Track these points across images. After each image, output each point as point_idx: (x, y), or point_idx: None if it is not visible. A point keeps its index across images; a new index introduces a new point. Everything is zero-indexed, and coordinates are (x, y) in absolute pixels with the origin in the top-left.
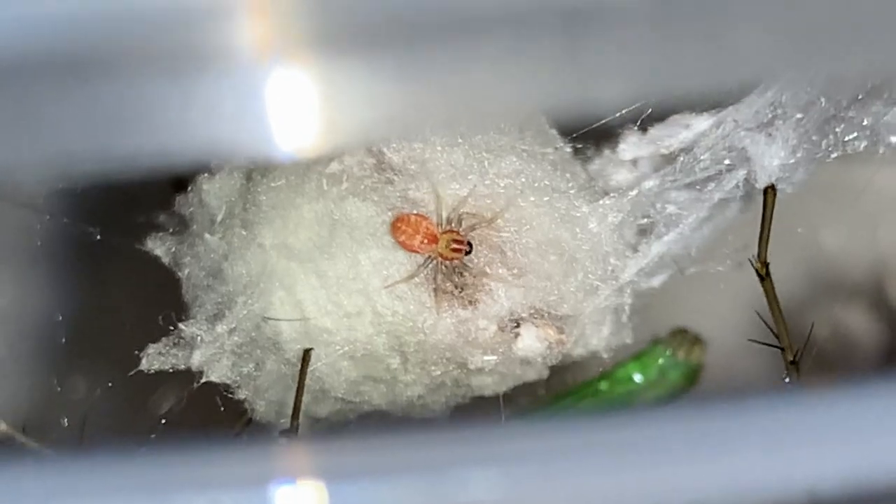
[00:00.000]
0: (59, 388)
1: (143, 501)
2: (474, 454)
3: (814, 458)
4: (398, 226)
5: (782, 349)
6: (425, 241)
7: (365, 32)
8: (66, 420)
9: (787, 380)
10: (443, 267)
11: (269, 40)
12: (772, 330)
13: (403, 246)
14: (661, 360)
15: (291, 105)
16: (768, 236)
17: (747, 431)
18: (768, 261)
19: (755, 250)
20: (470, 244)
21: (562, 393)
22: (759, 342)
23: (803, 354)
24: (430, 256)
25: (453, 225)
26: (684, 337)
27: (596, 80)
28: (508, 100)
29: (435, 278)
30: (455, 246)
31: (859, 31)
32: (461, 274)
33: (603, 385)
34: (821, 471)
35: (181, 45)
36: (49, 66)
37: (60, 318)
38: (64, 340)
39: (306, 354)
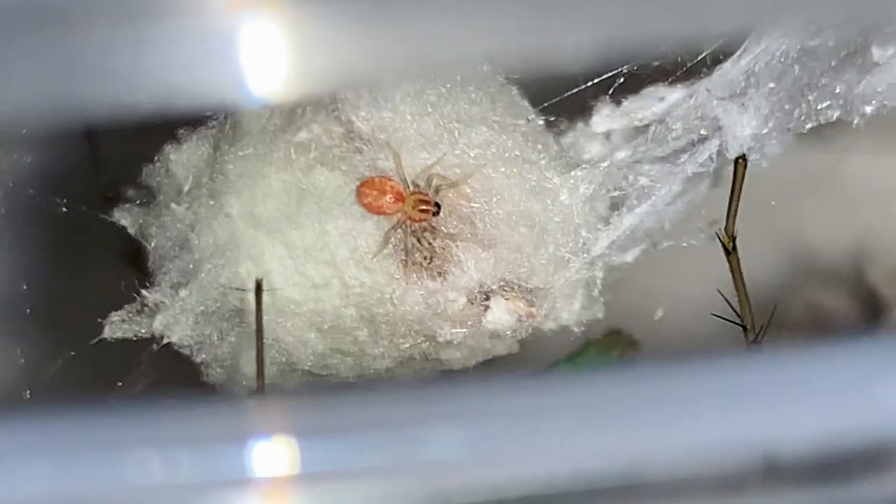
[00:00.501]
0: (22, 360)
1: (95, 458)
2: (441, 412)
3: (770, 420)
4: (363, 190)
5: (744, 328)
6: (391, 199)
7: None
8: (28, 392)
9: None
10: (412, 233)
11: None
12: (734, 309)
13: (370, 209)
14: (594, 362)
15: (253, 51)
16: (737, 208)
17: (705, 392)
18: (736, 234)
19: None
20: (438, 204)
21: None
22: (722, 318)
23: (765, 333)
24: (398, 220)
25: (421, 187)
26: (618, 339)
27: (559, 31)
28: (472, 49)
29: (405, 243)
30: (423, 207)
31: None
32: (430, 243)
33: None
34: (777, 432)
35: None
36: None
37: (25, 287)
38: (28, 311)
39: (258, 286)
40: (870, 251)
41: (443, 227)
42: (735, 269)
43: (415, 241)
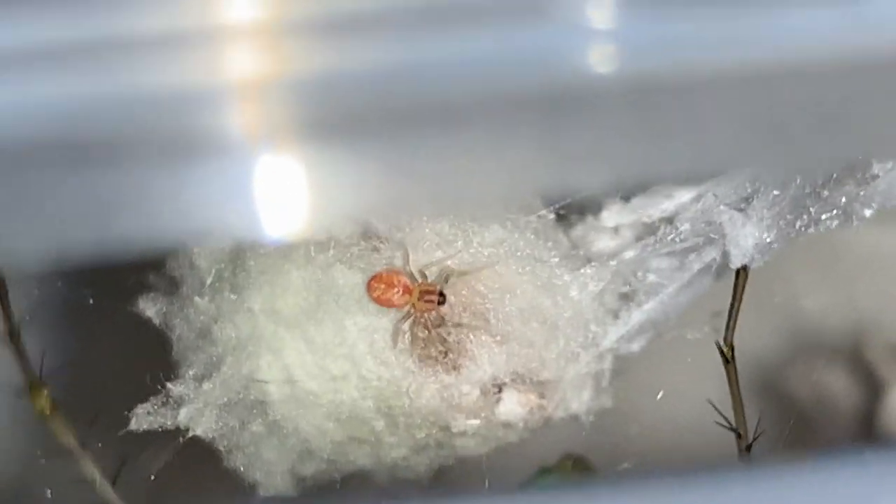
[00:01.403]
0: (42, 461)
1: None
2: None
3: None
4: (373, 284)
5: (738, 435)
6: (400, 292)
7: (351, 120)
8: (49, 492)
9: None
10: (423, 325)
11: (258, 127)
12: (725, 417)
13: (380, 302)
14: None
15: (279, 190)
16: (736, 318)
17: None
18: (734, 344)
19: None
20: (443, 294)
21: None
22: (720, 424)
23: (756, 440)
24: (407, 312)
25: (429, 280)
26: (573, 464)
27: (576, 164)
28: (492, 185)
29: (414, 334)
30: (428, 297)
31: (825, 125)
32: (444, 339)
33: None
34: None
35: (173, 131)
36: (44, 152)
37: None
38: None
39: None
40: (868, 328)
41: (456, 328)
42: (732, 378)
43: (426, 333)
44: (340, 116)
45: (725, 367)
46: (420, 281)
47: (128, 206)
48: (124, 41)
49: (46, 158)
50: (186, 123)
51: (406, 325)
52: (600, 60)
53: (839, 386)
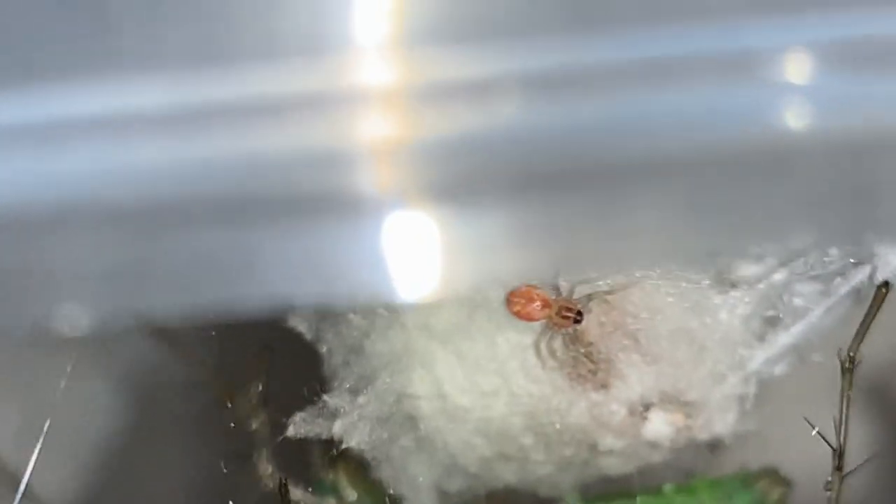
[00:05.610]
0: (224, 471)
1: None
2: None
3: None
4: (512, 299)
5: (835, 452)
6: (539, 306)
7: (482, 182)
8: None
9: (827, 485)
10: (561, 341)
11: (390, 187)
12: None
13: (520, 316)
14: (736, 489)
15: (411, 250)
16: (865, 332)
17: None
18: (860, 358)
19: (874, 342)
20: (580, 312)
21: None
22: (820, 434)
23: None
24: (544, 327)
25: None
26: (770, 475)
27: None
28: (649, 246)
29: (549, 346)
30: (565, 313)
31: None
32: (594, 360)
33: (667, 487)
34: None
35: (308, 192)
36: (185, 211)
37: (229, 404)
38: (232, 425)
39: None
40: None
41: (608, 346)
42: (844, 391)
43: (563, 349)
44: (471, 177)
45: (842, 379)
46: (563, 296)
47: (259, 265)
48: (260, 103)
49: (188, 217)
50: (321, 184)
51: (544, 343)
52: (796, 117)
53: None
